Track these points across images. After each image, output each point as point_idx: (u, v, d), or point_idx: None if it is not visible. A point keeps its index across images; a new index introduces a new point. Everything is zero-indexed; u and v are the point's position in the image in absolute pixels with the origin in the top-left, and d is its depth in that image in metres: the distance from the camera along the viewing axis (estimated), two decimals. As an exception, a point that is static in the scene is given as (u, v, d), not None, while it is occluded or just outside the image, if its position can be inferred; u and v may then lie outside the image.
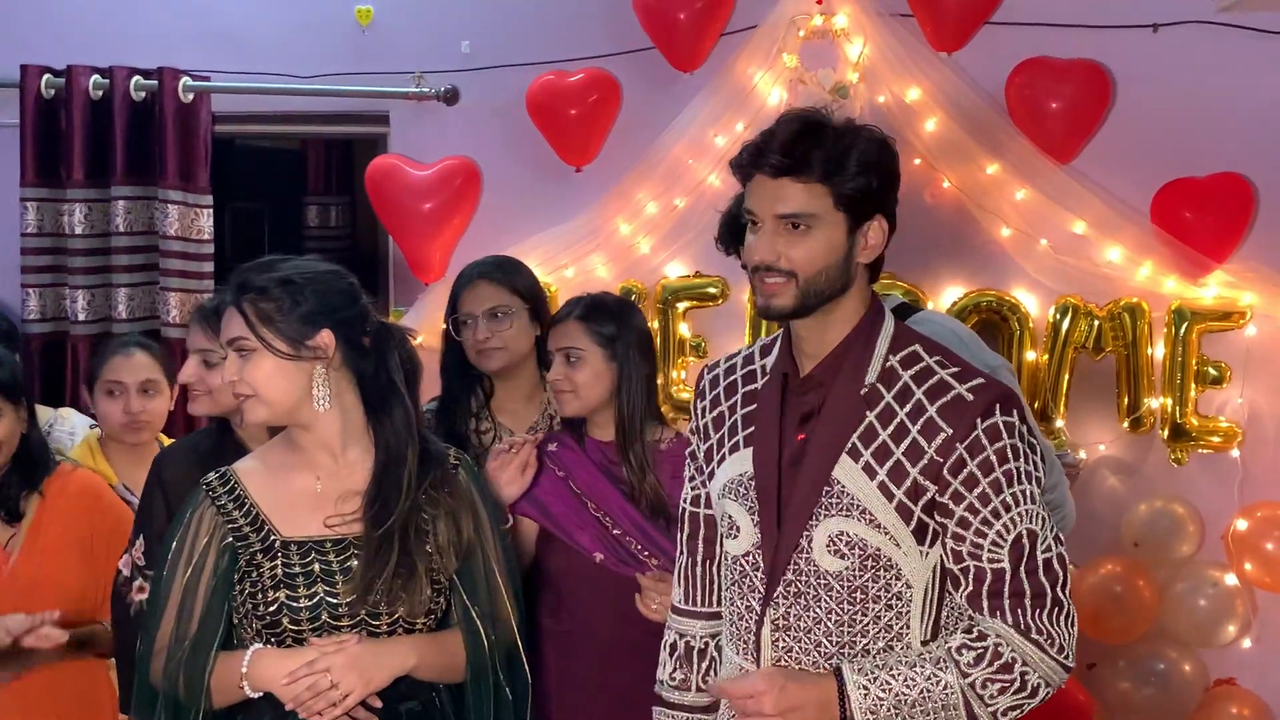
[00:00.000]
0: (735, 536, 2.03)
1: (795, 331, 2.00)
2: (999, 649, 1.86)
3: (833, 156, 1.88)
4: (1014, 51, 3.82)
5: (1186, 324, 3.72)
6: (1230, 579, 3.75)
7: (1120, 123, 3.84)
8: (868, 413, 1.92)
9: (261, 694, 2.16)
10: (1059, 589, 1.88)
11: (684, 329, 3.99)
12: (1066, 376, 3.80)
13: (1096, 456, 3.89)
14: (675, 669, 2.19)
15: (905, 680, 1.87)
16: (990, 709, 1.87)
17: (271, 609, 2.16)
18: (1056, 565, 1.89)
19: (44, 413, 3.47)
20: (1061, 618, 1.88)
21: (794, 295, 1.93)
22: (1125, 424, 3.81)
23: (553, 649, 2.66)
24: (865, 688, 1.88)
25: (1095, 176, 3.83)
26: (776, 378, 2.02)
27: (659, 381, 3.93)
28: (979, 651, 1.87)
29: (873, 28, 3.86)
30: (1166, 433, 3.77)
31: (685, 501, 2.21)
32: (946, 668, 1.87)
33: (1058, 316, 3.80)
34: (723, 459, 2.07)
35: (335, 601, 2.18)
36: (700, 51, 3.94)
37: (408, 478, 2.24)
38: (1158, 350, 3.77)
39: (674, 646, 2.20)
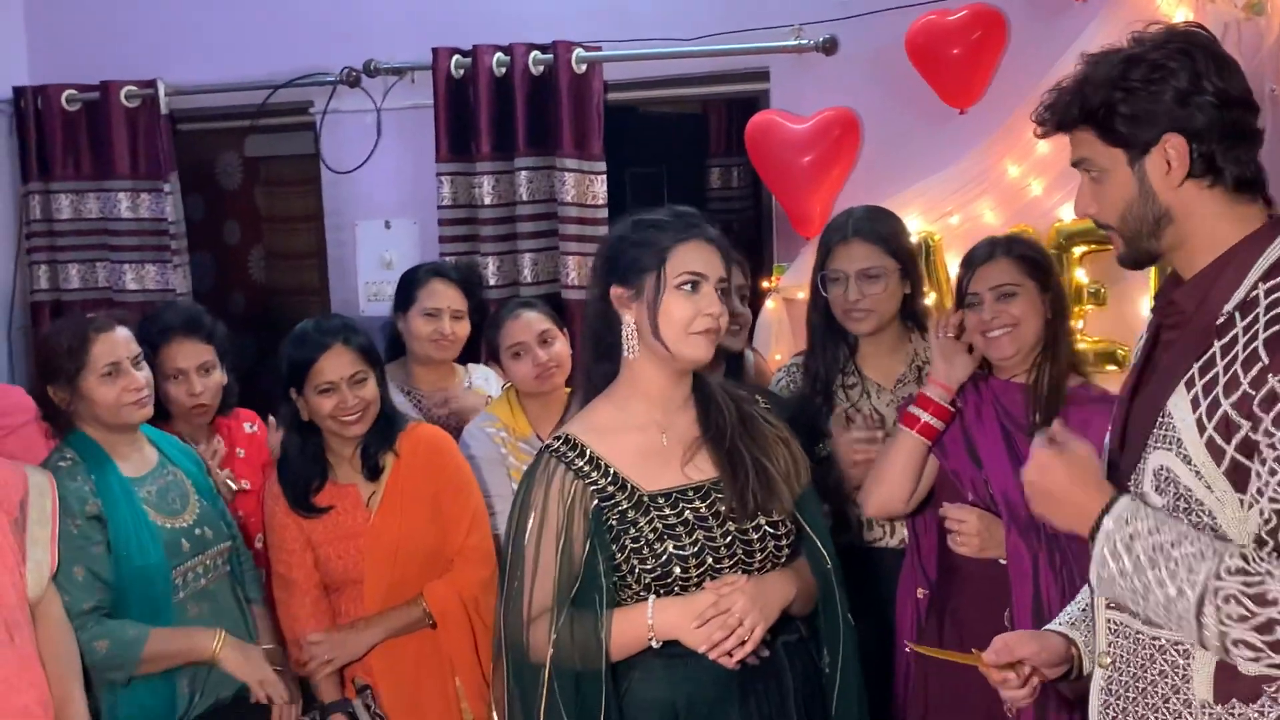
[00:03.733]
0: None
1: None
2: (1267, 581, 1.63)
3: (1086, 95, 1.78)
4: None
5: None
6: None
7: None
8: (1215, 342, 1.75)
9: (661, 644, 2.23)
10: None
11: (1080, 275, 3.76)
12: None
13: None
14: None
15: (1170, 541, 1.70)
16: (1221, 628, 1.65)
17: (662, 560, 2.23)
18: None
19: (458, 370, 3.77)
20: None
21: (1122, 244, 1.85)
22: None
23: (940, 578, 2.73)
24: (1127, 521, 1.73)
25: None
26: (1158, 306, 1.92)
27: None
28: (1247, 571, 1.65)
29: (1294, -69, 3.47)
30: None
31: None
32: (1210, 559, 1.67)
33: None
34: None
35: (715, 544, 2.25)
36: (1096, -26, 3.69)
37: (722, 394, 2.34)
38: None
39: None
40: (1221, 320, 1.76)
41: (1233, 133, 1.77)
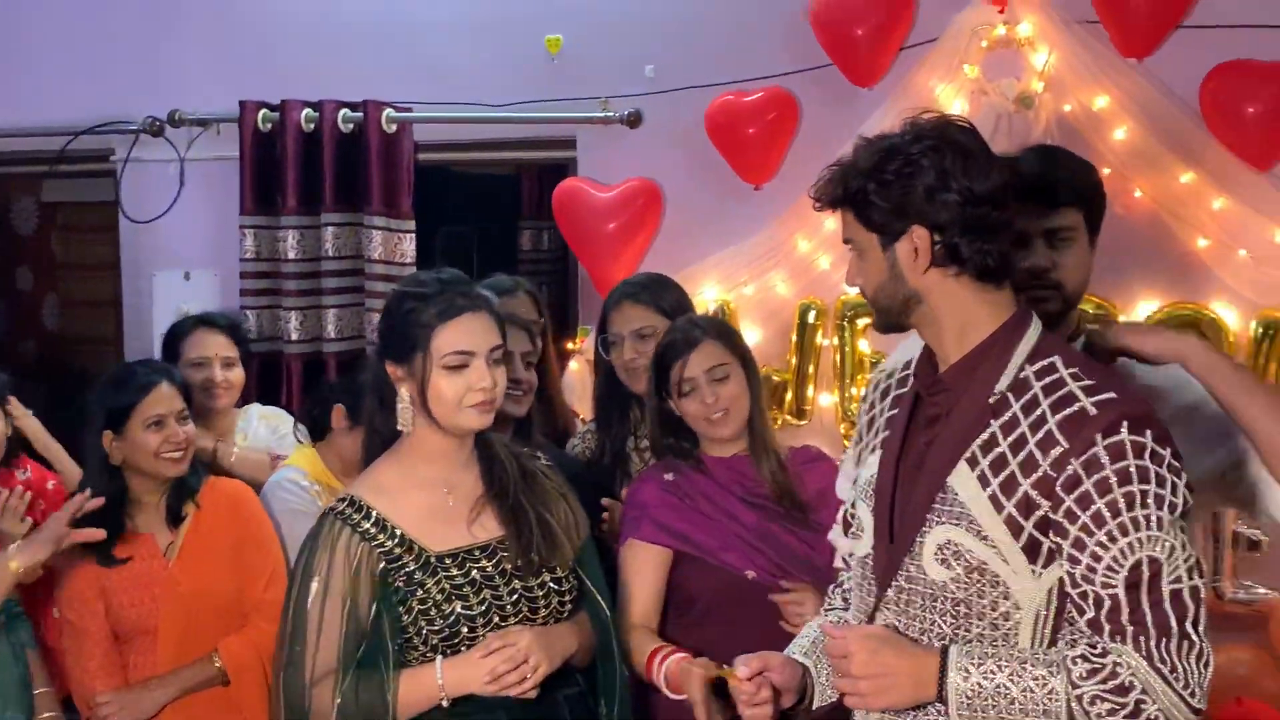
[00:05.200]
0: (860, 537, 2.05)
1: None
2: (1117, 669, 1.77)
3: (847, 180, 1.91)
4: (1208, 55, 3.65)
5: (1402, 338, 3.48)
6: None
7: (1326, 126, 3.63)
8: (992, 421, 1.87)
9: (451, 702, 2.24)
10: (1188, 624, 1.77)
11: (863, 346, 3.96)
12: (1270, 393, 3.60)
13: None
14: None
15: (1011, 674, 1.80)
16: None
17: (450, 621, 2.25)
18: (1188, 599, 1.78)
19: (236, 420, 3.70)
20: (1191, 655, 1.77)
21: (876, 315, 1.99)
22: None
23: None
24: (968, 671, 1.82)
25: (1299, 183, 3.64)
26: (913, 382, 2.03)
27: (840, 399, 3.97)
28: (1095, 666, 1.78)
29: (1058, 35, 3.76)
30: (1381, 454, 3.52)
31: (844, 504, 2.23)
32: (1057, 673, 1.79)
33: (1259, 330, 3.61)
34: (862, 461, 2.09)
35: (502, 603, 2.29)
36: (879, 66, 3.93)
37: (504, 450, 2.39)
38: (1369, 366, 3.53)
39: None
40: (995, 400, 1.88)
41: (976, 227, 1.88)
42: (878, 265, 1.93)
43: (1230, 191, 3.64)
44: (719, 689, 2.21)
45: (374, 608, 2.24)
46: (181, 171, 4.45)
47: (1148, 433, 1.79)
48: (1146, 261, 3.76)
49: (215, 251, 4.45)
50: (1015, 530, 1.83)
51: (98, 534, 2.79)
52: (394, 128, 4.27)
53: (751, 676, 2.02)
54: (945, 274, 1.91)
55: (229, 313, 4.00)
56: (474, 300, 2.31)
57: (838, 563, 2.24)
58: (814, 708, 2.09)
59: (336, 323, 4.31)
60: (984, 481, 1.85)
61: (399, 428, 2.32)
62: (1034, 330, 1.93)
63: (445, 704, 2.25)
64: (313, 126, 4.27)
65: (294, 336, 4.31)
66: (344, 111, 4.26)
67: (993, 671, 1.81)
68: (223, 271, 4.43)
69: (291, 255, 4.30)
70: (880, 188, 1.88)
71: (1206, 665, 1.78)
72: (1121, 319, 3.70)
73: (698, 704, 2.22)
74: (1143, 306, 3.76)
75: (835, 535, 2.24)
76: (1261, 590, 3.61)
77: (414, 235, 4.32)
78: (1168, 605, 1.77)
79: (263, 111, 4.28)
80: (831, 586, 2.26)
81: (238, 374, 3.60)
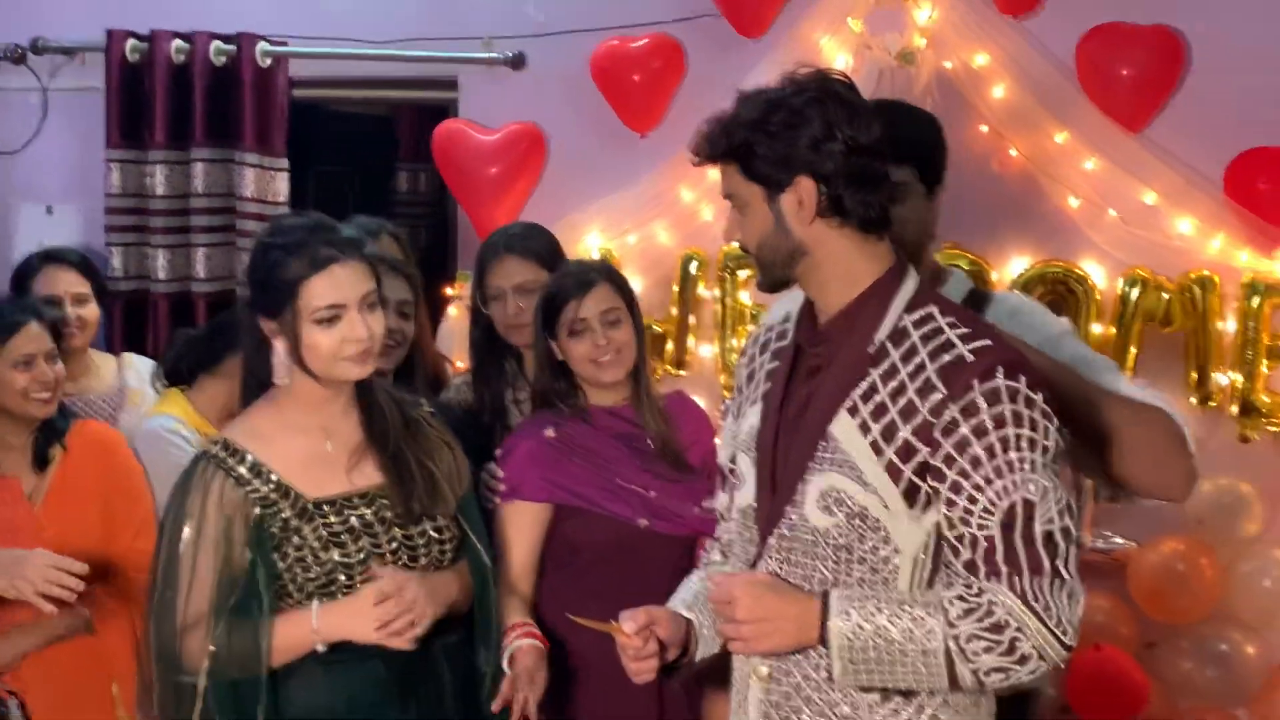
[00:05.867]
0: (741, 488, 2.06)
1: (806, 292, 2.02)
2: (992, 608, 1.81)
3: (730, 133, 1.90)
4: (1086, 17, 3.72)
5: (1259, 298, 3.59)
6: (1298, 561, 3.65)
7: (1194, 90, 3.73)
8: (871, 370, 1.89)
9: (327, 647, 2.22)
10: (1059, 563, 1.82)
11: (745, 298, 3.98)
12: (1134, 350, 3.71)
13: (1163, 432, 3.80)
14: None
15: (890, 616, 1.84)
16: (972, 666, 1.82)
17: (326, 569, 2.22)
18: (1060, 539, 1.82)
19: (109, 360, 3.60)
20: (1063, 593, 1.82)
21: (759, 270, 1.98)
22: (1193, 399, 3.71)
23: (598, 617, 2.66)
24: (848, 613, 1.85)
25: (1167, 145, 3.73)
26: (794, 334, 2.04)
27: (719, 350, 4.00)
28: (971, 606, 1.82)
29: (941, -8, 3.80)
30: (1236, 409, 3.66)
31: (722, 458, 2.23)
32: (934, 613, 1.83)
33: (1126, 289, 3.70)
34: (742, 414, 2.10)
35: (381, 550, 2.26)
36: (765, 17, 3.93)
37: (386, 397, 2.34)
38: (1228, 325, 3.65)
39: None
40: (874, 349, 1.90)
41: (860, 178, 1.89)
42: (762, 218, 1.92)
43: (1102, 152, 3.72)
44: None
45: (248, 554, 2.20)
46: (45, 102, 4.32)
47: (1022, 378, 1.84)
48: (1019, 219, 3.84)
49: (80, 186, 4.33)
50: (895, 476, 1.86)
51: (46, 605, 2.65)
52: (269, 62, 4.17)
53: (637, 631, 2.02)
54: (830, 225, 1.91)
55: (80, 248, 3.84)
56: (342, 248, 2.22)
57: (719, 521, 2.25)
58: (697, 659, 2.11)
59: (206, 263, 4.22)
60: (865, 429, 1.88)
61: (277, 381, 2.26)
62: (911, 281, 1.95)
63: (320, 649, 2.21)
64: (183, 59, 4.15)
65: (161, 275, 4.21)
66: (216, 44, 4.15)
67: (873, 613, 1.84)
68: (87, 207, 4.31)
69: (160, 191, 4.19)
70: (766, 138, 1.87)
71: (1077, 603, 1.83)
72: (994, 276, 3.78)
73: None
74: (1014, 263, 3.84)
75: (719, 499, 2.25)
76: (1119, 540, 3.75)
77: (288, 174, 4.24)
78: (1040, 545, 1.81)
79: (131, 41, 4.15)
80: (709, 542, 2.27)
81: (91, 310, 3.46)
